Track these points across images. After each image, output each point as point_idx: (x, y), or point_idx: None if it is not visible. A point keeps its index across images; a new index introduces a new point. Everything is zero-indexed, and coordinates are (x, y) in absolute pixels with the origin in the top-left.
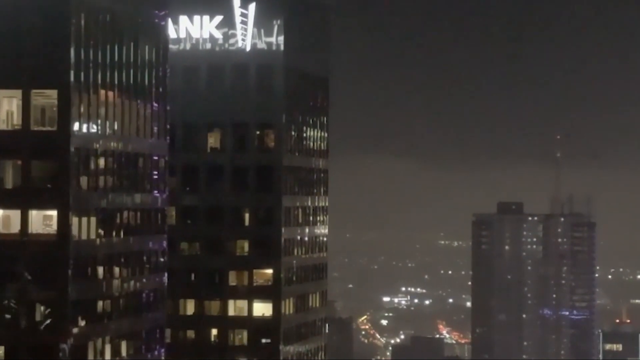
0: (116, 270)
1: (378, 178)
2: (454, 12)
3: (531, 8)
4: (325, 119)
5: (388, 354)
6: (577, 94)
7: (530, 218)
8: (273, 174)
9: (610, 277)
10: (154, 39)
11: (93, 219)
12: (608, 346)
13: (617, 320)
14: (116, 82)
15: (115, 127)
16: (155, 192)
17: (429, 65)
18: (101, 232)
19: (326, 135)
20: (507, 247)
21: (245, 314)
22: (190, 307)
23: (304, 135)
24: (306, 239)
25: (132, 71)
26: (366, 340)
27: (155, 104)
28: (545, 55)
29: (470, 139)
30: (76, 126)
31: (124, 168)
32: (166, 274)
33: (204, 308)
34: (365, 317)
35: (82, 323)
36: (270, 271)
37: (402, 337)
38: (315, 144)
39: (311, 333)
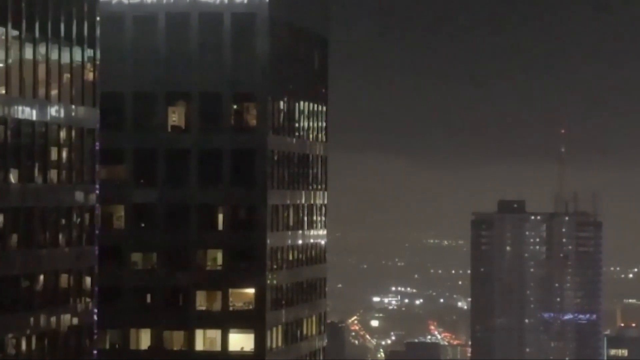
0: (11, 302)
1: (369, 175)
2: (455, 8)
3: (535, 7)
4: (323, 89)
5: (379, 355)
6: (583, 86)
7: (532, 217)
8: (255, 161)
9: (601, 276)
10: None
11: None
12: (613, 351)
13: (622, 324)
14: (10, 16)
15: (10, 85)
16: (79, 183)
17: (426, 58)
18: None
19: (325, 110)
20: (508, 248)
21: (219, 348)
22: (144, 339)
23: (296, 110)
24: (299, 246)
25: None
26: (357, 342)
27: (77, 55)
28: (549, 47)
29: (467, 134)
30: None
31: (23, 147)
32: (95, 303)
33: (163, 340)
34: (355, 317)
35: None
36: (251, 291)
37: (393, 338)
38: (310, 122)
39: None
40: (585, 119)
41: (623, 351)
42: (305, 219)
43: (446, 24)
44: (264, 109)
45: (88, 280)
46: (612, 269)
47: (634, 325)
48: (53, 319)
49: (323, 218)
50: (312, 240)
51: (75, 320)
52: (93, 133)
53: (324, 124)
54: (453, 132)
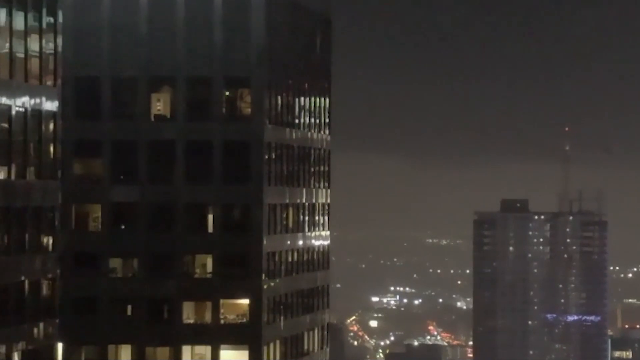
0: None
1: (368, 174)
2: (456, 6)
3: (537, 2)
4: (326, 74)
5: (378, 356)
6: (587, 83)
7: (536, 216)
8: (249, 154)
9: (606, 277)
10: None
11: None
12: (617, 353)
13: (626, 325)
14: None
15: None
16: (37, 179)
17: (426, 57)
18: None
19: (328, 99)
20: (511, 248)
21: None
22: (125, 356)
23: (295, 97)
24: (299, 250)
25: None
26: (355, 343)
27: (34, 25)
28: (552, 44)
29: (470, 132)
30: None
31: None
32: (56, 320)
33: (145, 358)
34: (353, 318)
35: None
36: (245, 301)
37: (392, 338)
38: (312, 111)
39: None
40: (590, 116)
41: (627, 353)
42: (306, 219)
43: (449, 22)
44: (259, 96)
45: (48, 293)
46: (611, 268)
47: (638, 326)
48: (3, 341)
49: (326, 218)
50: (313, 243)
51: (31, 342)
52: (53, 117)
53: (327, 114)
54: (455, 130)
